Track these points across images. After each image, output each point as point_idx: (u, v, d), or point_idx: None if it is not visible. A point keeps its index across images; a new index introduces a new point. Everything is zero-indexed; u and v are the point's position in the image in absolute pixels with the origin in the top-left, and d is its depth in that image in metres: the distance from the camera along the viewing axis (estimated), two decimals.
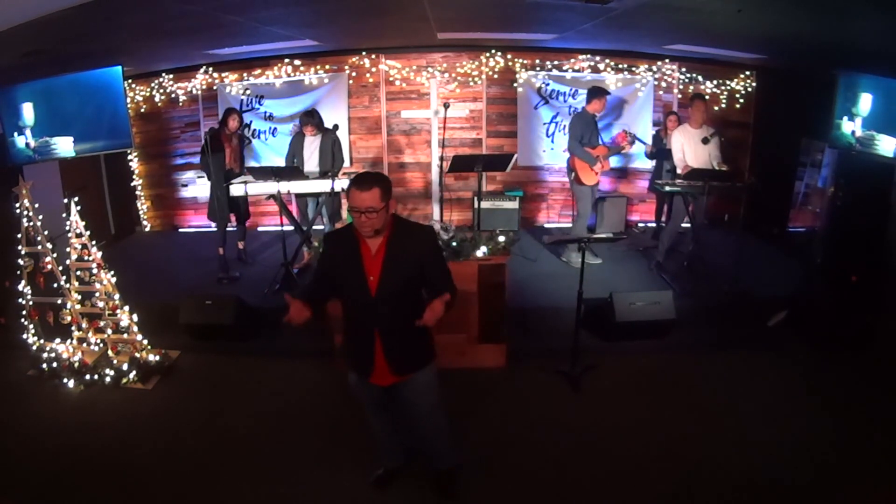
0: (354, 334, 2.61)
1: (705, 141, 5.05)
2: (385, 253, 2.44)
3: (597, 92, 5.40)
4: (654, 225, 6.84)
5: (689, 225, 5.46)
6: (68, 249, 4.14)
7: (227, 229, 5.60)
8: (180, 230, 7.42)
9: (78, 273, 4.15)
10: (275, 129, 6.97)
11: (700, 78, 6.80)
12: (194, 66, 6.74)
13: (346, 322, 2.63)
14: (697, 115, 5.14)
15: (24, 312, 4.30)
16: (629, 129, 6.53)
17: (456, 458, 2.97)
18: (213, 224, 5.65)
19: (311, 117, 5.35)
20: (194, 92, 6.94)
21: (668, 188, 5.16)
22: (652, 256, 5.70)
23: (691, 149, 5.14)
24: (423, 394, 2.67)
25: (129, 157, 7.12)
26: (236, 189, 5.04)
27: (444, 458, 2.93)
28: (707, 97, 5.69)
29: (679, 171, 5.20)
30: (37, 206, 4.11)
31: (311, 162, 5.38)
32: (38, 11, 3.18)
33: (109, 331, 4.19)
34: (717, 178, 5.00)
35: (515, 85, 6.83)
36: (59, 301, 4.18)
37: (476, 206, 6.37)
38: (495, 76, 6.83)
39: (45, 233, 4.14)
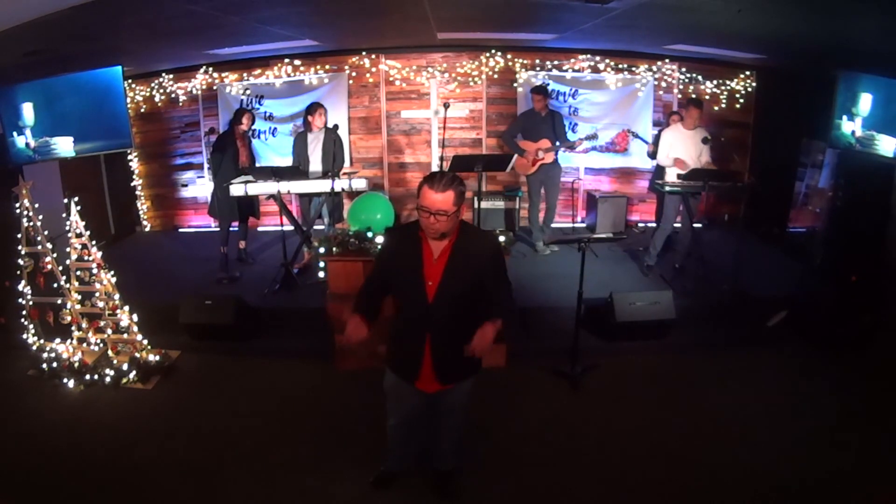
0: (404, 337, 2.52)
1: (706, 140, 5.06)
2: (448, 259, 2.35)
3: (534, 90, 5.86)
4: (654, 225, 6.83)
5: (679, 225, 5.45)
6: (68, 249, 4.13)
7: (231, 229, 5.60)
8: (180, 230, 7.42)
9: (78, 273, 4.15)
10: (275, 129, 6.96)
11: (700, 78, 6.81)
12: (194, 66, 6.74)
13: (397, 323, 2.54)
14: (691, 120, 5.17)
15: (24, 312, 4.30)
16: (630, 128, 6.56)
17: (459, 460, 2.96)
18: (215, 223, 5.63)
19: (320, 106, 5.40)
20: (194, 92, 6.94)
21: (668, 188, 5.16)
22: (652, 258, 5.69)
23: (680, 149, 5.14)
24: (462, 400, 2.65)
25: (129, 157, 7.12)
26: (236, 189, 5.04)
27: (448, 458, 2.92)
28: (703, 102, 5.65)
29: (665, 166, 5.24)
30: (37, 206, 4.11)
31: (314, 160, 5.39)
32: (38, 11, 3.18)
33: (109, 331, 4.19)
34: (717, 178, 5.00)
35: (515, 85, 6.83)
36: (59, 301, 4.18)
37: (476, 206, 6.38)
38: (495, 76, 6.83)
39: (45, 233, 4.14)
